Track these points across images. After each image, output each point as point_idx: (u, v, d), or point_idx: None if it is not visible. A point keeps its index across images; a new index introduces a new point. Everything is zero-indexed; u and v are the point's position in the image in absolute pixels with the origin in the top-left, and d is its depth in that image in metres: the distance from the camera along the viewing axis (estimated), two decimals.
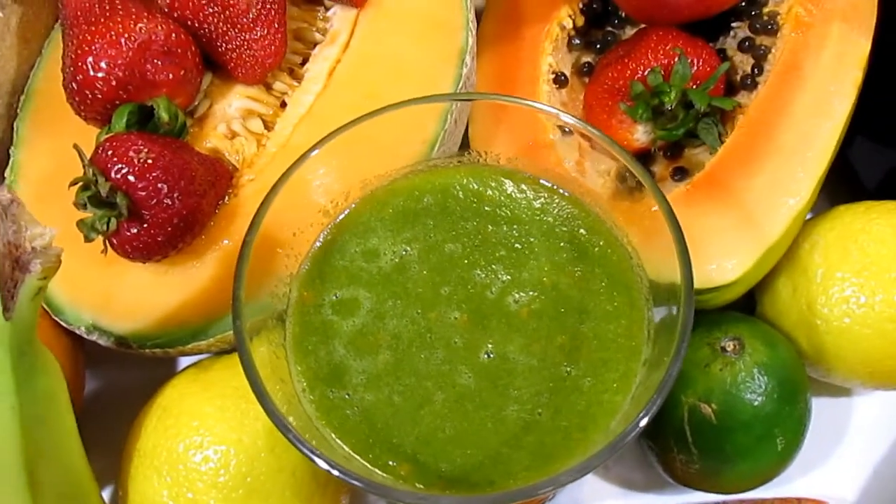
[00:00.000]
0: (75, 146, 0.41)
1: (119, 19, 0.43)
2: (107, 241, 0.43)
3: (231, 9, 0.45)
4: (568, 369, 0.35)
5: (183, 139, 0.46)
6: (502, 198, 0.40)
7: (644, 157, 0.53)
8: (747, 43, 0.52)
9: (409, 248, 0.39)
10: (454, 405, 0.35)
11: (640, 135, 0.51)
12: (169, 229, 0.42)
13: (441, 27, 0.48)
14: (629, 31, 0.56)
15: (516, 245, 0.38)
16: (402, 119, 0.39)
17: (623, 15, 0.56)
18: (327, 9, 0.50)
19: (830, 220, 0.47)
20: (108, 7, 0.44)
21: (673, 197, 0.47)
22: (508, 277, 0.38)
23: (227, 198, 0.46)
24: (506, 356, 0.36)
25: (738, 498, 0.47)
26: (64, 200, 0.42)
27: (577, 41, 0.55)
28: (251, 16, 0.46)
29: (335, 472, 0.29)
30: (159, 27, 0.43)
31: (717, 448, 0.43)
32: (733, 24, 0.53)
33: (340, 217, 0.39)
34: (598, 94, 0.52)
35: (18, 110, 0.50)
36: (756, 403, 0.42)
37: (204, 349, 0.45)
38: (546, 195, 0.40)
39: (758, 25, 0.51)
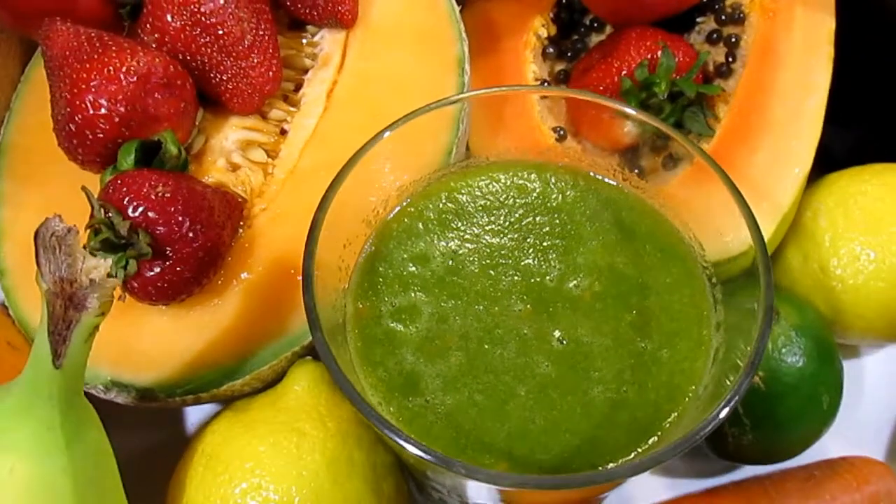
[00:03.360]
0: (84, 188, 0.39)
1: (114, 54, 0.41)
2: (125, 287, 0.40)
3: (225, 38, 0.44)
4: (643, 344, 0.35)
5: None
6: (542, 188, 0.40)
7: (631, 152, 0.54)
8: (715, 35, 0.54)
9: (458, 248, 0.38)
10: (539, 395, 0.34)
11: (630, 129, 0.52)
12: (195, 263, 0.40)
13: (435, 39, 0.48)
14: (595, 39, 0.58)
15: (564, 233, 0.38)
16: (417, 129, 0.39)
17: (588, 23, 0.58)
18: (313, 34, 0.50)
19: (827, 186, 0.49)
20: (98, 44, 0.42)
21: (679, 180, 0.48)
22: (563, 265, 0.37)
23: (240, 230, 0.44)
24: (579, 340, 0.35)
25: (784, 467, 0.47)
26: None
27: (551, 50, 0.57)
28: (246, 43, 0.45)
29: (462, 471, 0.28)
30: (157, 59, 0.42)
31: (768, 415, 0.43)
32: (698, 20, 0.56)
33: (383, 226, 0.38)
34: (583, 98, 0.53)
35: None
36: (800, 365, 0.43)
37: (238, 389, 0.42)
38: (584, 182, 0.40)
39: (723, 17, 0.54)
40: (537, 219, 0.39)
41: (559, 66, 0.58)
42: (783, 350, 0.43)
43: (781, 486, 0.45)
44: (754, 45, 0.51)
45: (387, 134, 0.36)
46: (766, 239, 0.45)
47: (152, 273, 0.39)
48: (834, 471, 0.46)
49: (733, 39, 0.53)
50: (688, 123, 0.52)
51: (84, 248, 0.29)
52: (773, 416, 0.43)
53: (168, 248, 0.39)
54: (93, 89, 0.40)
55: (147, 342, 0.42)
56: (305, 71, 0.49)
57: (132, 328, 0.42)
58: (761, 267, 0.32)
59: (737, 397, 0.29)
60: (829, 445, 0.50)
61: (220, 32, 0.44)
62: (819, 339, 0.44)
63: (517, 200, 0.39)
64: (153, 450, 0.48)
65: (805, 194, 0.50)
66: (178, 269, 0.39)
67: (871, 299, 0.46)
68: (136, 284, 0.40)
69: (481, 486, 0.33)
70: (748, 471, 0.49)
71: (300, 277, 0.42)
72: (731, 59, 0.53)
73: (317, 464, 0.38)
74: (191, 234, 0.39)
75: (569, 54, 0.58)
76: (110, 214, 0.38)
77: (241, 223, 0.44)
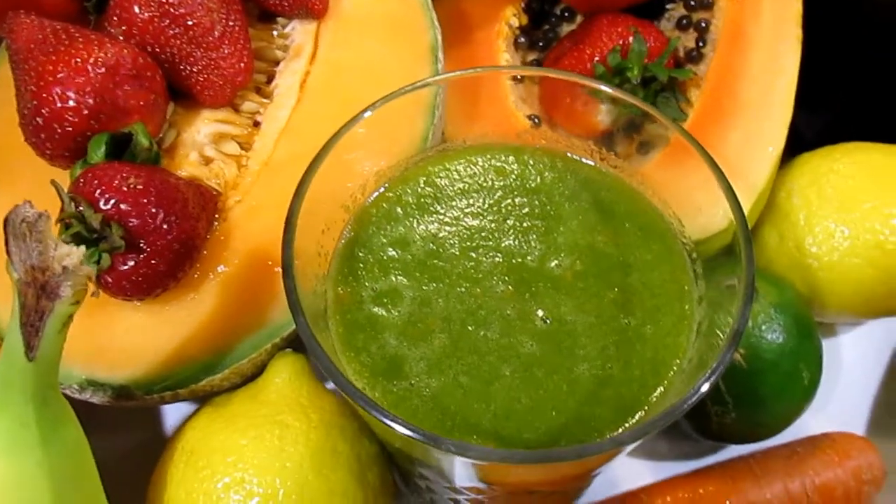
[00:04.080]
0: (53, 181, 0.38)
1: (81, 46, 0.40)
2: (98, 282, 0.39)
3: (195, 28, 0.43)
4: (626, 321, 0.35)
5: None
6: (520, 170, 0.40)
7: (607, 139, 0.55)
8: (685, 21, 0.55)
9: (438, 232, 0.38)
10: (524, 375, 0.34)
11: (604, 116, 0.53)
12: (170, 256, 0.39)
13: (407, 28, 0.48)
14: (566, 28, 0.58)
15: (544, 213, 0.38)
16: (393, 114, 0.39)
17: (559, 12, 0.58)
18: (283, 26, 0.49)
19: (799, 167, 0.50)
20: (64, 36, 0.41)
21: (655, 163, 0.48)
22: (544, 245, 0.37)
23: (215, 223, 0.43)
24: (562, 319, 0.35)
25: (767, 445, 0.48)
26: None
27: (523, 40, 0.57)
28: (216, 34, 0.44)
29: (452, 448, 0.27)
30: (125, 50, 0.41)
31: (750, 392, 0.43)
32: (667, 7, 0.56)
33: (361, 211, 0.38)
34: (558, 84, 0.53)
35: None
36: (780, 341, 0.43)
37: (217, 385, 0.42)
38: (562, 163, 0.40)
39: (692, 3, 0.54)
40: (516, 200, 0.39)
41: (531, 56, 0.58)
42: (763, 327, 0.43)
43: (766, 464, 0.46)
44: (724, 30, 0.52)
45: (366, 114, 0.36)
46: (746, 213, 0.45)
47: (126, 267, 0.38)
48: (816, 447, 0.46)
49: (703, 24, 0.53)
50: (661, 108, 0.52)
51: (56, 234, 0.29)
52: (756, 393, 0.43)
53: (142, 241, 0.38)
54: (60, 81, 0.39)
55: (122, 339, 0.41)
56: (277, 63, 0.48)
57: (106, 325, 0.41)
58: (742, 239, 0.32)
59: (721, 368, 0.29)
60: (811, 423, 0.50)
61: (190, 23, 0.43)
62: (798, 316, 0.44)
63: (496, 183, 0.39)
64: (131, 452, 0.47)
65: (778, 175, 0.50)
66: (152, 262, 0.39)
67: (846, 276, 0.47)
68: (109, 279, 0.39)
69: (469, 468, 0.33)
70: (732, 451, 0.49)
71: (278, 269, 0.42)
72: (701, 44, 0.53)
73: (300, 455, 0.38)
74: (165, 226, 0.39)
75: (540, 44, 0.58)
76: (81, 208, 0.37)
77: (217, 216, 0.43)
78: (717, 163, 0.45)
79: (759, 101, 0.48)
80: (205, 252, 0.42)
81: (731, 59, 0.50)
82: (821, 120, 0.58)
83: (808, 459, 0.45)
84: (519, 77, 0.54)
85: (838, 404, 0.51)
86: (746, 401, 0.43)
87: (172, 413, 0.50)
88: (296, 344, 0.43)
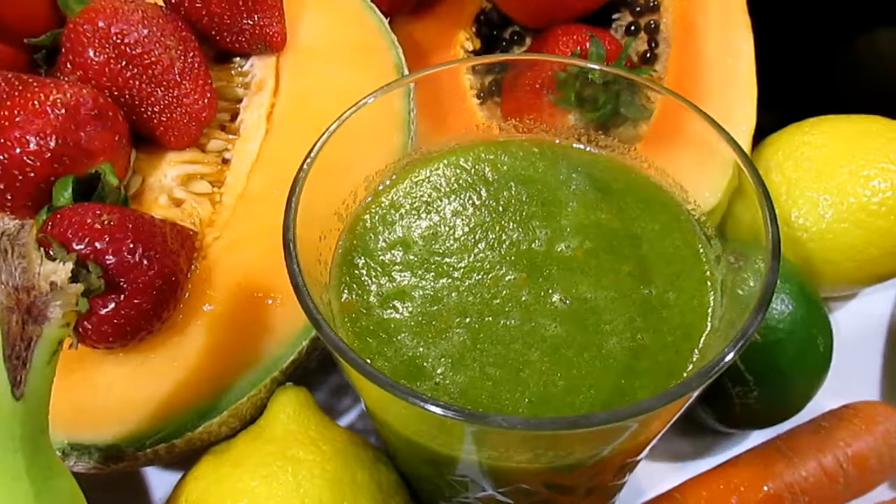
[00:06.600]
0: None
1: (37, 89, 0.38)
2: (76, 332, 0.36)
3: (154, 67, 0.42)
4: (647, 291, 0.34)
5: None
6: (511, 161, 0.39)
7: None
8: (633, 27, 0.56)
9: (437, 230, 0.36)
10: (554, 357, 0.32)
11: (573, 122, 0.53)
12: (153, 294, 0.36)
13: (368, 50, 0.47)
14: (518, 51, 0.59)
15: (543, 200, 0.37)
16: (369, 120, 0.37)
17: (508, 36, 0.59)
18: (241, 64, 0.48)
19: (772, 144, 0.50)
20: (17, 82, 0.39)
21: (632, 155, 0.48)
22: (549, 229, 0.36)
23: (195, 263, 0.41)
24: (582, 297, 0.34)
25: (791, 427, 0.46)
26: None
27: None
28: (176, 71, 0.43)
29: (504, 423, 0.25)
30: (84, 90, 0.39)
31: (769, 366, 0.42)
32: (614, 17, 0.57)
33: (354, 219, 0.36)
34: (521, 98, 0.53)
35: None
36: (790, 310, 0.42)
37: (215, 431, 0.38)
38: (551, 151, 0.39)
39: (638, 8, 0.56)
40: (513, 191, 0.38)
41: (489, 78, 0.58)
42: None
43: (794, 443, 0.44)
44: (675, 25, 0.53)
45: (360, 107, 0.34)
46: (724, 197, 0.45)
47: (107, 310, 0.36)
48: (840, 419, 0.45)
49: (653, 25, 0.54)
50: (624, 108, 0.52)
51: (40, 248, 0.26)
52: (775, 366, 0.42)
53: (122, 280, 0.36)
54: (18, 125, 0.37)
55: (105, 395, 0.38)
56: (239, 101, 0.47)
57: (86, 381, 0.38)
58: (753, 182, 0.32)
59: (757, 322, 0.28)
60: (826, 402, 0.49)
61: (148, 62, 0.42)
62: (802, 284, 0.44)
63: (488, 177, 0.38)
64: None
65: (752, 156, 0.51)
66: (135, 301, 0.36)
67: (837, 242, 0.46)
68: (89, 326, 0.36)
69: (512, 456, 0.30)
70: (756, 440, 0.47)
71: (268, 300, 0.39)
72: (653, 45, 0.54)
73: (318, 488, 0.35)
74: (145, 262, 0.36)
75: (497, 68, 0.58)
76: (52, 251, 0.35)
77: (196, 254, 0.41)
78: (687, 152, 0.46)
79: (723, 85, 0.49)
80: (187, 294, 0.40)
81: (687, 51, 0.51)
82: (775, 116, 0.59)
83: (835, 432, 0.44)
84: (482, 95, 0.54)
85: (848, 379, 0.50)
86: (767, 376, 0.42)
87: (165, 484, 0.45)
88: (294, 378, 0.40)
